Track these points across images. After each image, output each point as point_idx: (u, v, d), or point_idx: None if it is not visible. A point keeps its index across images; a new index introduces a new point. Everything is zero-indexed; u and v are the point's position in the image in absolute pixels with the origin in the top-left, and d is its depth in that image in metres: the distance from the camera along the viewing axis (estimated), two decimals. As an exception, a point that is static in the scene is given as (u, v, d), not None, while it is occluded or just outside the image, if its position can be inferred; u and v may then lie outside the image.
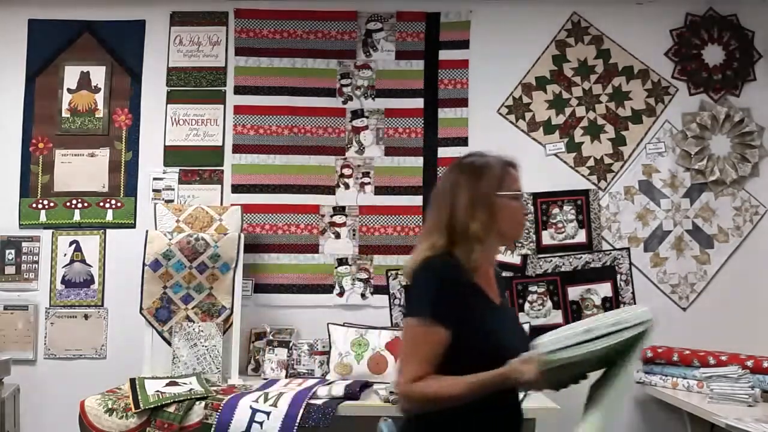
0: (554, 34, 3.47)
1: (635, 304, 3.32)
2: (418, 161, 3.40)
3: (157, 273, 3.01)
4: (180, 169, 3.41)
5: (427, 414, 1.58)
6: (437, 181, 1.71)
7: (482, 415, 1.57)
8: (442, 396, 1.53)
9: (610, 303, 3.32)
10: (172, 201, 3.38)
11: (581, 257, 3.35)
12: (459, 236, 1.63)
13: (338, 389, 2.69)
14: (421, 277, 1.62)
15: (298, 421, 2.45)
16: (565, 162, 3.43)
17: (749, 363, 2.71)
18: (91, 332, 3.32)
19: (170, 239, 3.03)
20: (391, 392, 2.63)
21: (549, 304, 3.32)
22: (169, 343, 3.00)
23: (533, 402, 2.63)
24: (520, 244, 3.35)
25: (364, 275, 3.36)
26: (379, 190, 3.40)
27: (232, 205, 3.32)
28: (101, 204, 3.39)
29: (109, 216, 3.39)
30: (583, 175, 3.41)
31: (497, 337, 1.59)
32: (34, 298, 3.34)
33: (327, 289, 3.36)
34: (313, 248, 3.37)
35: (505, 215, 1.68)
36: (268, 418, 2.46)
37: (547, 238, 3.36)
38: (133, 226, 3.37)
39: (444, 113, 3.43)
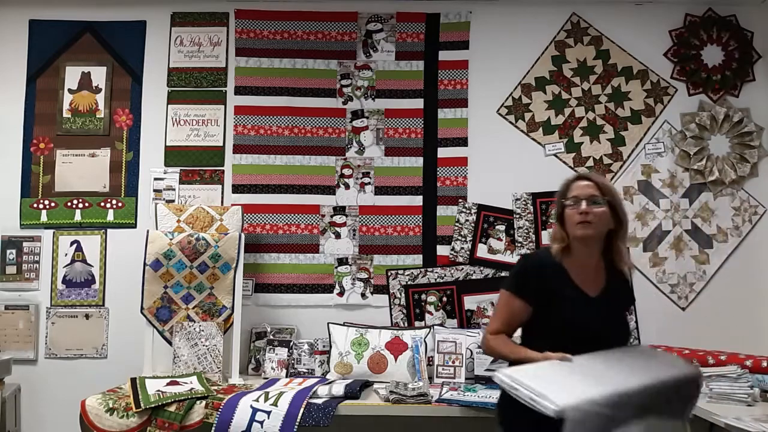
0: (553, 34, 3.48)
1: (634, 303, 3.33)
2: (418, 161, 3.41)
3: (157, 273, 3.02)
4: (181, 170, 3.42)
5: None
6: None
7: None
8: (496, 352, 2.10)
9: (610, 303, 3.32)
10: (172, 201, 3.38)
11: (581, 257, 3.36)
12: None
13: (338, 388, 2.69)
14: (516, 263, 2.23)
15: (298, 420, 2.45)
16: (564, 162, 3.43)
17: (748, 362, 2.71)
18: (91, 332, 3.32)
19: (171, 239, 3.04)
20: (391, 391, 2.64)
21: (548, 303, 3.32)
22: (170, 343, 3.01)
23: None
24: (519, 244, 3.36)
25: (364, 275, 3.37)
26: (379, 190, 3.41)
27: (232, 205, 3.32)
28: (102, 204, 3.40)
29: (110, 216, 3.40)
30: (582, 175, 3.42)
31: (568, 319, 1.99)
32: (35, 297, 3.35)
33: (327, 288, 3.36)
34: (314, 248, 3.38)
35: (566, 217, 2.11)
36: (268, 418, 2.46)
37: (546, 237, 3.37)
38: (133, 226, 3.38)
39: (444, 113, 3.44)
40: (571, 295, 2.04)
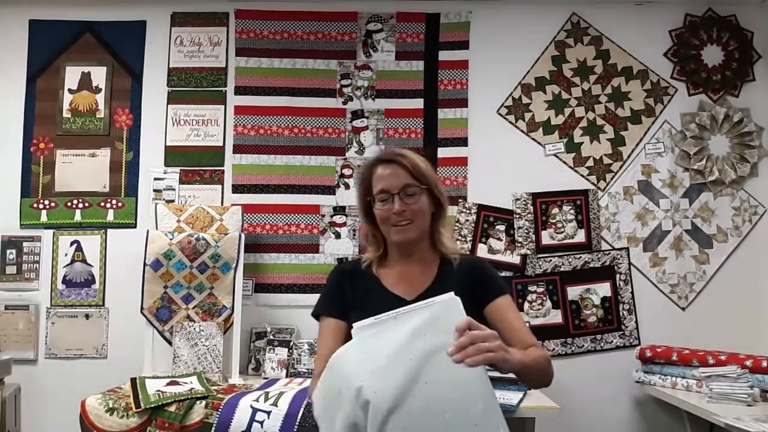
0: (553, 34, 3.48)
1: (634, 303, 3.33)
2: (418, 161, 3.40)
3: (157, 273, 3.02)
4: (181, 170, 3.42)
5: None
6: None
7: None
8: None
9: (609, 303, 3.33)
10: (172, 201, 3.38)
11: (580, 257, 3.36)
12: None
13: (338, 388, 2.69)
14: None
15: (298, 420, 2.45)
16: (564, 162, 3.43)
17: (748, 362, 2.71)
18: (91, 332, 3.32)
19: (171, 239, 3.04)
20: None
21: (548, 303, 3.33)
22: (170, 343, 3.01)
23: (533, 401, 2.65)
24: (519, 244, 3.36)
25: (364, 275, 3.36)
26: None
27: (232, 205, 3.32)
28: (102, 204, 3.40)
29: (110, 216, 3.39)
30: (582, 175, 3.42)
31: None
32: (35, 297, 3.35)
33: (327, 288, 3.36)
34: (314, 248, 3.38)
35: (378, 218, 1.71)
36: (268, 418, 2.46)
37: (546, 237, 3.37)
38: (133, 226, 3.38)
39: (444, 114, 3.44)
40: (376, 303, 1.61)
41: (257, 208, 3.39)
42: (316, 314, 1.78)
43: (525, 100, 3.46)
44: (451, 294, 1.34)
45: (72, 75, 3.45)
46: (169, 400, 2.52)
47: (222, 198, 3.41)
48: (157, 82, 3.46)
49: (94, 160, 3.42)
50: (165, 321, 3.03)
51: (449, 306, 1.33)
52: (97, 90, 3.45)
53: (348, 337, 1.54)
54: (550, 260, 3.36)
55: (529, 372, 1.50)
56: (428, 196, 1.69)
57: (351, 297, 1.70)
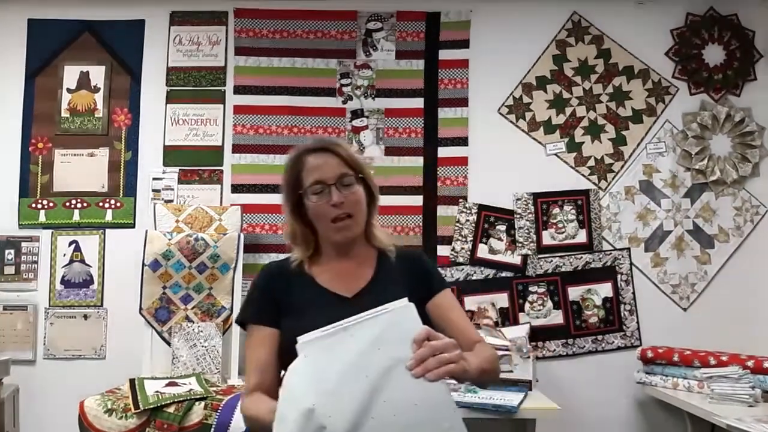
0: (554, 33, 3.46)
1: (635, 304, 3.32)
2: (418, 161, 3.40)
3: (156, 273, 3.00)
4: (179, 169, 3.41)
5: None
6: None
7: None
8: (257, 420, 1.38)
9: (611, 303, 3.31)
10: (171, 201, 3.37)
11: (581, 257, 3.35)
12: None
13: (338, 389, 2.68)
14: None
15: (297, 421, 2.44)
16: (565, 162, 3.42)
17: (750, 363, 2.70)
18: (90, 332, 3.31)
19: (170, 239, 3.02)
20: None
21: (549, 304, 3.32)
22: (169, 344, 2.99)
23: (534, 402, 2.64)
24: (520, 245, 3.34)
25: (364, 275, 3.35)
26: (379, 190, 3.38)
27: (231, 205, 3.31)
28: (100, 204, 3.38)
29: (109, 216, 3.38)
30: (583, 175, 3.41)
31: (301, 329, 1.29)
32: (34, 298, 3.33)
33: (327, 289, 3.34)
34: (313, 248, 3.36)
35: (311, 214, 1.54)
36: (267, 419, 2.45)
37: (547, 238, 3.36)
38: (132, 226, 3.36)
39: (444, 113, 3.42)
40: (314, 303, 1.51)
41: (256, 208, 3.37)
42: (242, 322, 1.58)
43: (526, 99, 3.44)
44: (405, 300, 1.25)
45: (71, 74, 3.44)
46: (168, 401, 2.51)
47: (221, 198, 3.39)
48: (155, 82, 3.44)
49: (93, 159, 3.41)
50: (164, 322, 3.01)
51: (404, 314, 1.23)
52: (96, 89, 3.44)
53: (283, 346, 1.47)
54: (551, 260, 3.35)
55: (485, 376, 1.42)
56: (363, 186, 1.56)
57: (282, 299, 1.53)
